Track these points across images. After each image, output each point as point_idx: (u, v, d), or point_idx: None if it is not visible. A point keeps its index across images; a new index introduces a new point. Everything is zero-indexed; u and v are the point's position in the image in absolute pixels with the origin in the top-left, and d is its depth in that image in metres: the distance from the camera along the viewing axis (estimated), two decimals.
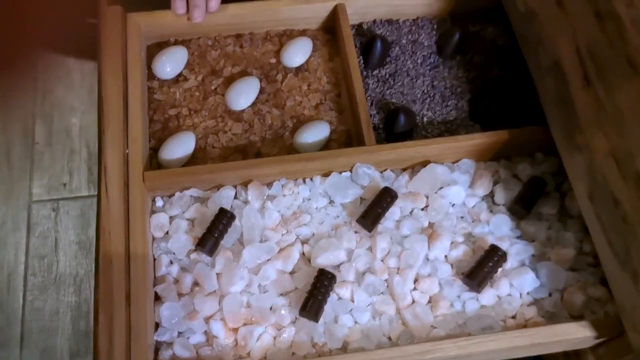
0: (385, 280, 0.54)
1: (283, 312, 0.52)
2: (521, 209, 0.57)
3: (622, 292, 0.48)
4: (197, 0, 0.63)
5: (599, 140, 0.49)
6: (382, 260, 0.55)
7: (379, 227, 0.56)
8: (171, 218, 0.57)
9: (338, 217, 0.57)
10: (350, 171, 0.59)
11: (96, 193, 0.54)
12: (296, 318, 0.52)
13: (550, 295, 0.55)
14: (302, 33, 0.68)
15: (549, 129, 0.56)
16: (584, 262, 0.56)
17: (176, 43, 0.66)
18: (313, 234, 0.56)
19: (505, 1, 0.63)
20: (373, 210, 0.55)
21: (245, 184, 0.58)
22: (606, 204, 0.48)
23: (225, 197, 0.57)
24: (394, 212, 0.57)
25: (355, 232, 0.56)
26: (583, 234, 0.56)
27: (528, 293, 0.55)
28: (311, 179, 0.59)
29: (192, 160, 0.60)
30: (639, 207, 0.44)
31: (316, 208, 0.58)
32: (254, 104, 0.63)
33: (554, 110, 0.55)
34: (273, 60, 0.66)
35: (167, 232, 0.56)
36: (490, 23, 0.69)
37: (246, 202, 0.57)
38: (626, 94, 0.45)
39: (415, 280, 0.54)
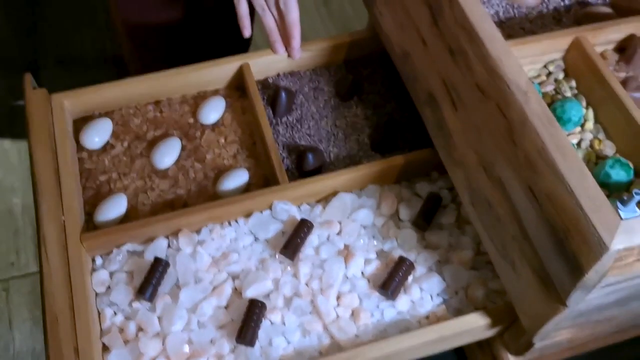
0: (311, 301, 0.61)
1: (222, 342, 0.58)
2: (423, 222, 0.65)
3: (507, 281, 0.56)
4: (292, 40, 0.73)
5: (469, 155, 0.57)
6: (306, 284, 0.62)
7: (300, 255, 0.63)
8: (111, 273, 0.62)
9: (263, 251, 0.64)
10: (270, 209, 0.66)
11: None
12: (234, 346, 0.58)
13: (456, 293, 0.62)
14: (215, 93, 0.75)
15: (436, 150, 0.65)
16: (482, 261, 0.64)
17: (100, 115, 0.72)
18: (242, 270, 0.62)
19: (386, 46, 0.72)
20: (293, 241, 0.62)
21: (175, 234, 0.64)
22: (484, 207, 0.57)
23: (159, 248, 0.63)
24: (312, 240, 0.64)
25: (280, 263, 0.63)
26: (478, 237, 0.64)
27: (437, 294, 0.62)
28: (236, 221, 0.65)
29: (126, 219, 0.65)
30: (505, 206, 0.53)
31: (242, 246, 0.64)
32: (177, 161, 0.69)
33: (435, 134, 0.64)
34: (191, 120, 0.73)
35: (108, 287, 0.61)
36: (379, 65, 0.78)
37: (178, 249, 0.63)
38: (480, 114, 0.54)
39: (338, 297, 0.61)
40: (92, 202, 0.66)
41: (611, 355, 0.67)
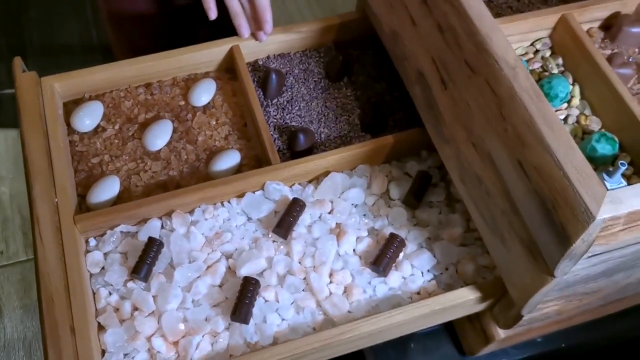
0: (304, 278, 0.62)
1: (217, 320, 0.58)
2: (413, 200, 0.66)
3: (497, 254, 0.57)
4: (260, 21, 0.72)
5: (459, 132, 0.58)
6: (299, 262, 0.62)
7: (293, 234, 0.64)
8: (105, 254, 0.62)
9: (256, 230, 0.64)
10: (262, 189, 0.66)
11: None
12: (229, 324, 0.59)
13: (447, 269, 0.63)
14: (205, 75, 0.76)
15: (426, 130, 0.66)
16: (472, 237, 0.65)
17: (91, 98, 0.72)
18: (236, 249, 0.63)
19: (375, 27, 0.73)
20: (286, 219, 0.63)
21: (169, 214, 0.64)
22: (473, 183, 0.58)
23: (153, 228, 0.63)
24: (305, 219, 0.65)
25: (273, 241, 0.63)
26: (468, 214, 0.66)
27: (428, 270, 0.63)
28: (228, 202, 0.66)
29: (119, 200, 0.66)
30: (494, 181, 0.54)
31: (236, 226, 0.64)
32: (169, 143, 0.70)
33: (425, 112, 0.65)
34: (182, 103, 0.73)
35: (102, 268, 0.62)
36: (368, 46, 0.79)
37: (172, 230, 0.63)
38: (469, 90, 0.55)
39: (330, 275, 0.62)
40: (85, 184, 0.66)
41: (598, 328, 0.69)
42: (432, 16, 0.59)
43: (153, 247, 0.60)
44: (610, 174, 0.46)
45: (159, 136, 0.69)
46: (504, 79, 0.51)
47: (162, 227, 0.64)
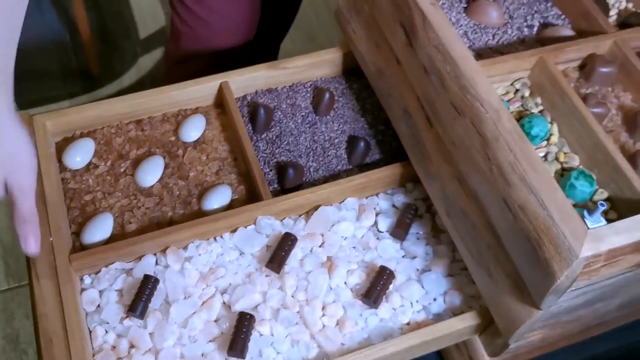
0: (298, 312, 0.63)
1: (214, 356, 0.60)
2: (400, 232, 0.68)
3: (483, 286, 0.59)
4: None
5: (445, 168, 0.61)
6: (292, 296, 0.64)
7: (286, 268, 0.65)
8: (100, 292, 0.63)
9: (249, 265, 0.66)
10: (254, 224, 0.68)
11: (16, 285, 0.59)
12: (226, 359, 0.60)
13: (435, 299, 0.66)
14: (195, 111, 0.77)
15: (411, 163, 0.68)
16: (458, 268, 0.67)
17: (82, 135, 0.73)
18: (230, 284, 0.64)
19: (360, 63, 0.75)
20: (278, 254, 0.65)
21: (163, 251, 0.65)
22: (459, 217, 0.60)
23: (148, 265, 0.64)
24: (296, 253, 0.66)
25: (266, 276, 0.65)
26: (453, 245, 0.68)
27: (417, 301, 0.65)
28: (221, 237, 0.67)
29: (113, 237, 0.67)
30: (480, 216, 0.56)
31: (229, 261, 0.66)
32: (161, 179, 0.71)
33: (410, 148, 0.67)
34: (172, 138, 0.75)
35: (98, 305, 0.62)
36: (353, 81, 0.81)
37: (167, 266, 0.64)
38: (455, 130, 0.58)
39: (323, 308, 0.64)
40: (78, 222, 0.67)
41: (578, 352, 0.72)
42: (417, 58, 0.61)
43: (148, 284, 0.61)
44: (590, 213, 0.49)
45: (151, 172, 0.70)
46: (489, 121, 0.54)
47: (157, 263, 0.65)
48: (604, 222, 0.49)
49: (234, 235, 0.67)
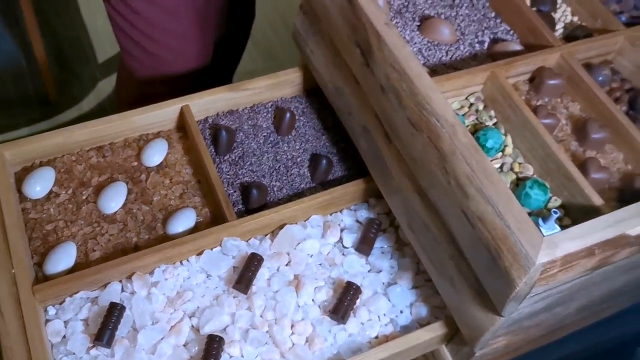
0: (267, 331, 0.63)
1: None
2: (365, 247, 0.69)
3: (447, 296, 0.61)
4: None
5: (405, 182, 0.62)
6: (261, 316, 0.64)
7: (253, 288, 0.65)
8: (66, 322, 0.62)
9: (217, 287, 0.66)
10: (220, 246, 0.68)
11: None
12: None
13: (401, 312, 0.67)
14: (157, 135, 0.77)
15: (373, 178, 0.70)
16: (423, 279, 0.69)
17: (42, 164, 0.72)
18: (198, 307, 0.64)
19: (319, 82, 0.77)
20: (245, 275, 0.65)
21: (129, 277, 0.65)
22: (421, 230, 0.62)
23: (113, 292, 0.64)
24: (263, 272, 0.67)
25: (234, 297, 0.65)
26: (417, 257, 0.69)
27: (384, 314, 0.66)
28: (187, 260, 0.67)
29: (76, 266, 0.66)
30: (441, 228, 0.58)
31: (196, 284, 0.66)
32: (124, 205, 0.71)
33: (371, 164, 0.68)
34: (135, 163, 0.74)
35: (64, 336, 0.61)
36: (313, 99, 0.82)
37: (133, 292, 0.64)
38: (413, 146, 0.59)
39: (292, 326, 0.64)
40: (41, 252, 0.66)
41: (542, 355, 0.74)
42: (374, 77, 0.63)
43: (114, 311, 0.61)
44: (545, 220, 0.51)
45: (114, 199, 0.70)
46: (445, 135, 0.55)
47: (123, 290, 0.65)
48: (558, 228, 0.51)
49: (200, 258, 0.67)
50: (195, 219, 0.70)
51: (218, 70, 1.20)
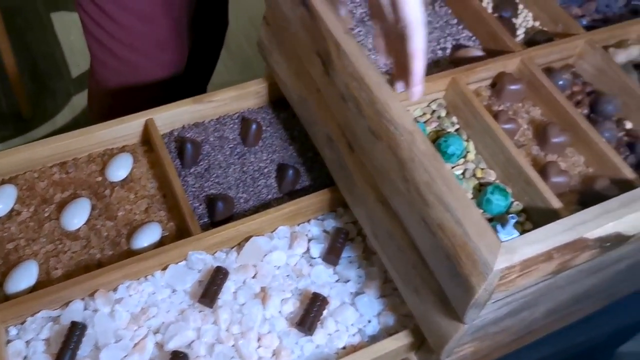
0: (233, 345, 0.63)
1: None
2: (333, 257, 0.69)
3: (412, 305, 0.60)
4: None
5: (369, 191, 0.62)
6: (226, 330, 0.63)
7: (219, 302, 0.65)
8: (27, 343, 0.61)
9: (182, 302, 0.65)
10: (185, 260, 0.67)
11: None
12: None
13: (369, 322, 0.66)
14: (122, 149, 0.76)
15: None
16: (390, 288, 0.68)
17: (3, 182, 0.71)
18: (162, 323, 0.63)
19: (284, 92, 0.77)
20: (210, 289, 0.64)
21: (92, 295, 0.64)
22: (385, 239, 0.61)
23: (76, 311, 0.63)
24: (229, 286, 0.66)
25: (200, 312, 0.64)
26: (384, 266, 0.69)
27: (352, 324, 0.66)
28: (152, 275, 0.66)
29: (38, 284, 0.65)
30: (404, 237, 0.58)
31: (161, 299, 0.65)
32: (88, 221, 0.70)
33: (336, 173, 0.68)
34: (99, 179, 0.73)
35: (25, 357, 0.60)
36: (280, 110, 0.82)
37: (96, 310, 0.63)
38: (374, 155, 0.59)
39: (258, 339, 0.63)
40: (1, 271, 0.65)
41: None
42: (335, 86, 0.63)
43: (75, 331, 0.60)
44: (503, 226, 0.51)
45: (77, 215, 0.69)
46: (404, 143, 0.55)
47: (86, 308, 0.64)
48: (516, 233, 0.51)
49: (165, 272, 0.66)
50: (160, 233, 0.69)
51: (191, 80, 1.20)
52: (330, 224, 0.72)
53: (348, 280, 0.69)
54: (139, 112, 0.76)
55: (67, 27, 1.79)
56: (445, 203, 0.51)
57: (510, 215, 0.50)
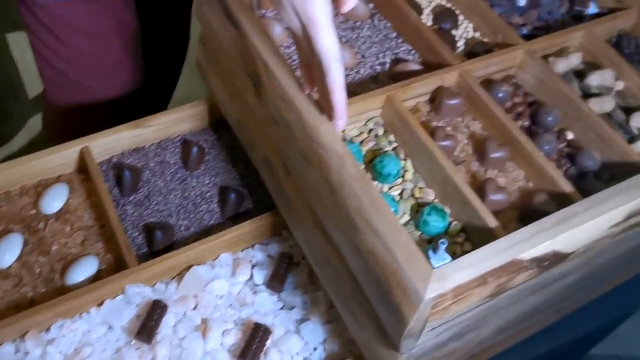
0: None
1: None
2: (276, 283, 0.67)
3: (353, 331, 0.58)
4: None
5: (306, 216, 0.60)
6: None
7: (158, 337, 0.62)
8: None
9: (118, 340, 0.62)
10: (123, 294, 0.64)
11: None
12: None
13: (315, 349, 0.64)
14: (58, 179, 0.74)
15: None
16: (336, 313, 0.66)
17: None
18: None
19: (224, 114, 0.74)
20: (147, 324, 0.62)
21: (23, 336, 0.61)
22: (324, 265, 0.59)
23: (6, 355, 0.60)
24: (169, 319, 0.63)
25: (137, 349, 0.62)
26: None
27: (297, 353, 0.64)
28: (87, 312, 0.63)
29: None
30: (341, 263, 0.56)
31: (96, 338, 0.62)
32: (20, 258, 0.67)
33: (276, 196, 0.66)
34: (33, 212, 0.71)
35: None
36: (222, 132, 0.80)
37: (27, 353, 0.60)
38: (307, 178, 0.57)
39: None
40: None
41: None
42: (266, 108, 0.61)
43: None
44: (435, 251, 0.49)
45: (8, 252, 0.66)
46: (334, 167, 0.53)
47: (17, 351, 0.61)
48: (449, 258, 0.49)
49: (100, 308, 0.64)
50: (97, 266, 0.67)
51: (152, 96, 1.17)
52: (275, 248, 0.70)
53: (293, 307, 0.66)
54: (79, 137, 0.74)
55: (23, 47, 1.74)
56: (375, 228, 0.50)
57: (441, 240, 0.49)
